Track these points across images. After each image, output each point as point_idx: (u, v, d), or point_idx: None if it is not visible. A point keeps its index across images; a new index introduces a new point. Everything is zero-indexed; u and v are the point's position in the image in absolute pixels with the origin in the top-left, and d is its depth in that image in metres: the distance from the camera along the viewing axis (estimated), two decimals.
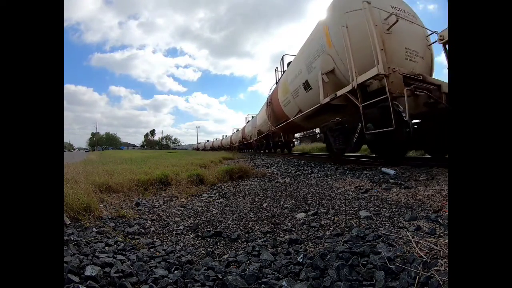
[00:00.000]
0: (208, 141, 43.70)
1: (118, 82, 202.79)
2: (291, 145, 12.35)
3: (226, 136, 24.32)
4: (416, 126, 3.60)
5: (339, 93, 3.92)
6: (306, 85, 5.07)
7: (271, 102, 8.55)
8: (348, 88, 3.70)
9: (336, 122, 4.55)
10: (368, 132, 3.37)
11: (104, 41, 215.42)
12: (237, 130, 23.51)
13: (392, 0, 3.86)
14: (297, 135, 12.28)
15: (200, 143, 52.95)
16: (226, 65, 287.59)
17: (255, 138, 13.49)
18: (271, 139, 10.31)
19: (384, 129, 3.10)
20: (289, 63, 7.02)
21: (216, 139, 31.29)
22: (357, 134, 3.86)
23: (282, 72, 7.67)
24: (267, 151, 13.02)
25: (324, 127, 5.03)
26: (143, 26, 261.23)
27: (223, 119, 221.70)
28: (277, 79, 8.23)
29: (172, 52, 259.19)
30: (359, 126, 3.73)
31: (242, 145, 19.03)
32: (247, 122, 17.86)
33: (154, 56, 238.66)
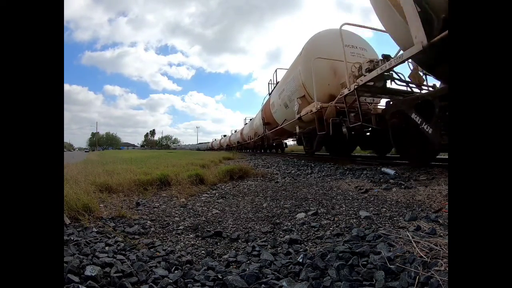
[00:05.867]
0: (225, 135, 31.31)
1: (111, 81, 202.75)
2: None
3: (250, 120, 19.98)
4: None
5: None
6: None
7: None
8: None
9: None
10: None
11: (95, 39, 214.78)
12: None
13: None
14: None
15: (215, 140, 42.63)
16: (220, 62, 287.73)
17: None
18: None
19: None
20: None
21: (235, 131, 25.10)
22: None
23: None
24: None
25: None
26: (132, 23, 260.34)
27: (221, 119, 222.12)
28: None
29: (164, 50, 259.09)
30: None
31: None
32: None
33: (147, 54, 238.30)
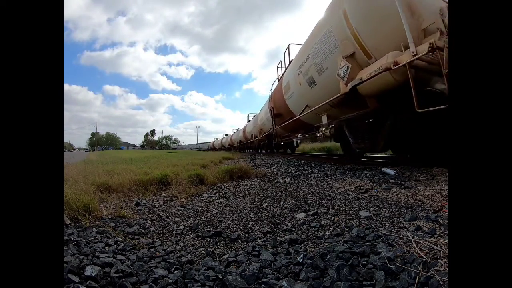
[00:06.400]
0: (227, 135, 28.27)
1: (110, 80, 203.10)
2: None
3: (254, 117, 16.25)
4: None
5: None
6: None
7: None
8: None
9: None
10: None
11: (94, 39, 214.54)
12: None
13: None
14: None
15: (216, 139, 38.61)
16: (219, 62, 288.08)
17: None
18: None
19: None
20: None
21: (237, 130, 22.17)
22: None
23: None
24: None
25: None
26: (131, 22, 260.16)
27: (221, 119, 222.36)
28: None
29: (163, 50, 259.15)
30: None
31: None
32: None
33: (146, 53, 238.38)
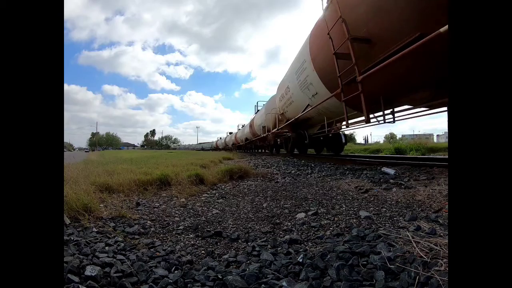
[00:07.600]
0: (231, 133, 25.79)
1: (109, 80, 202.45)
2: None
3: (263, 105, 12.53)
4: None
5: None
6: None
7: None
8: None
9: None
10: None
11: (92, 39, 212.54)
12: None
13: None
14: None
15: (220, 138, 35.29)
16: (218, 61, 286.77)
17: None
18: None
19: None
20: None
21: (242, 126, 18.87)
22: None
23: None
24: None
25: None
26: (129, 22, 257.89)
27: (221, 118, 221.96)
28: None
29: (162, 49, 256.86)
30: None
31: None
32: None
33: (144, 53, 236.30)
